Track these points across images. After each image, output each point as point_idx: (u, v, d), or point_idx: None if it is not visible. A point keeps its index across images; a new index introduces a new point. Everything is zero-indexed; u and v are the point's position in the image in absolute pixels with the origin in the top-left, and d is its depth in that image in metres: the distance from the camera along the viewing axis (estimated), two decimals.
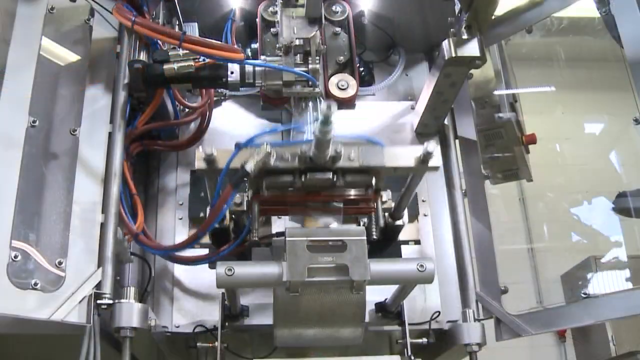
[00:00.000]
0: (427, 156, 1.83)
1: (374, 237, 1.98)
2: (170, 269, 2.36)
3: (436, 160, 1.84)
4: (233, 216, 2.17)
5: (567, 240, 5.73)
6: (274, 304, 1.83)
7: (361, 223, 2.20)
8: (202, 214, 2.38)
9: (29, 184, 1.82)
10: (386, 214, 2.19)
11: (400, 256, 2.42)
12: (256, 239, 1.91)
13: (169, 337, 2.26)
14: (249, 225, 2.06)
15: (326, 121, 1.59)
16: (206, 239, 2.33)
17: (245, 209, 2.15)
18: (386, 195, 2.17)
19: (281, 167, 1.82)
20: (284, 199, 1.93)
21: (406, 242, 2.47)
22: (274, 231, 2.23)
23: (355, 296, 1.78)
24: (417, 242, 2.49)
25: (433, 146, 1.82)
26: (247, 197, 2.17)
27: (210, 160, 1.80)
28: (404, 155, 1.86)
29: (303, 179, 1.82)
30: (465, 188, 2.59)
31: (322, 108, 1.58)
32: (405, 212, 2.26)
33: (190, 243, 2.06)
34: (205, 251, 2.31)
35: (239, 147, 1.82)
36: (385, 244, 2.37)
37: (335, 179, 1.82)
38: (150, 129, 2.35)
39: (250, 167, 1.75)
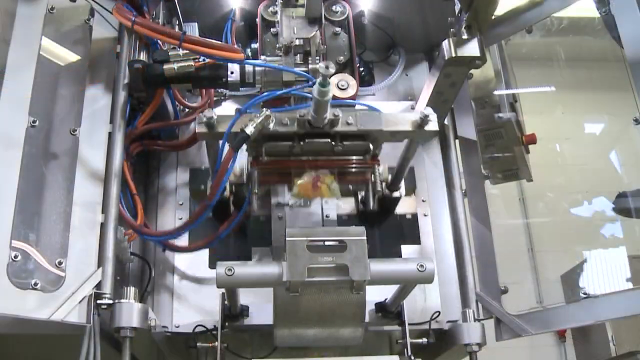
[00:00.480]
0: (424, 120, 1.84)
1: (371, 207, 2.00)
2: (170, 269, 2.36)
3: (433, 124, 1.87)
4: (233, 189, 2.18)
5: (567, 240, 5.73)
6: (274, 304, 1.83)
7: (359, 196, 2.21)
8: (202, 187, 2.37)
9: (29, 184, 1.82)
10: (383, 183, 2.20)
11: (401, 256, 2.42)
12: (255, 211, 1.92)
13: (169, 337, 2.26)
14: (248, 197, 2.07)
15: (324, 81, 1.61)
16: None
17: (245, 180, 2.17)
18: (382, 166, 2.19)
19: (280, 131, 1.84)
20: (282, 166, 1.94)
21: (404, 216, 2.49)
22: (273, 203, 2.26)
23: (355, 296, 1.78)
24: (414, 215, 2.51)
25: (430, 110, 1.85)
26: (247, 168, 2.19)
27: (210, 123, 1.82)
28: (402, 120, 1.89)
29: (302, 144, 1.84)
30: (465, 188, 2.59)
31: (320, 66, 1.60)
32: (402, 185, 2.28)
33: (201, 214, 2.02)
34: (205, 264, 2.33)
35: (239, 112, 1.85)
36: (383, 215, 2.38)
37: (333, 144, 1.84)
38: (150, 129, 2.35)
39: (250, 130, 1.77)
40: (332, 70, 1.62)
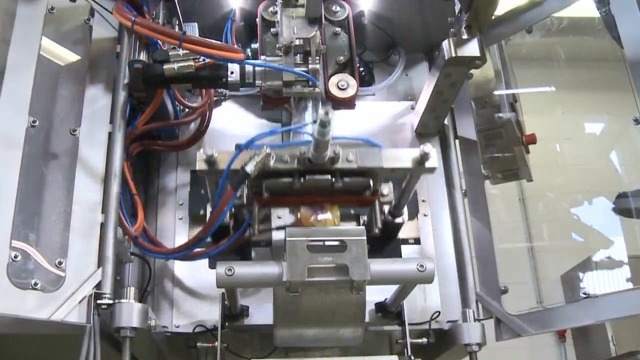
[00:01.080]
0: (424, 157, 1.84)
1: (375, 232, 2.00)
2: (170, 269, 2.36)
3: (433, 161, 1.86)
4: (233, 210, 2.17)
5: (567, 240, 5.73)
6: (274, 304, 1.83)
7: (361, 222, 2.20)
8: (202, 212, 2.38)
9: (29, 184, 1.82)
10: (385, 208, 2.20)
11: (400, 256, 2.42)
12: (256, 236, 1.92)
13: (169, 337, 2.26)
14: (248, 220, 2.07)
15: (324, 125, 1.62)
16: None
17: (245, 202, 2.16)
18: (387, 188, 2.18)
19: (281, 168, 1.84)
20: (283, 201, 1.94)
21: (406, 240, 2.47)
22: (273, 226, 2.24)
23: (355, 296, 1.78)
24: (417, 240, 2.49)
25: (430, 147, 1.84)
26: (247, 190, 2.18)
27: (211, 161, 1.82)
28: (402, 157, 1.88)
29: (302, 181, 1.83)
30: (465, 188, 2.59)
31: (320, 114, 1.61)
32: (405, 210, 2.27)
33: (192, 245, 2.04)
34: (205, 267, 2.32)
35: (239, 148, 1.84)
36: (385, 241, 2.37)
37: (333, 181, 1.84)
38: (150, 129, 2.35)
39: (250, 168, 1.77)
40: (331, 117, 1.62)
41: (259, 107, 2.48)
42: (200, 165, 1.83)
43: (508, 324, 2.24)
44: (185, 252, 2.09)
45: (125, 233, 2.03)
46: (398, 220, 2.26)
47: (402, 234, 2.42)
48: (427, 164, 1.86)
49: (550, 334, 6.09)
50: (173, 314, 2.28)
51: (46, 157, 1.94)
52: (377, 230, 2.02)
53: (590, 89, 5.79)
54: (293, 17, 2.18)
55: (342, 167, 1.84)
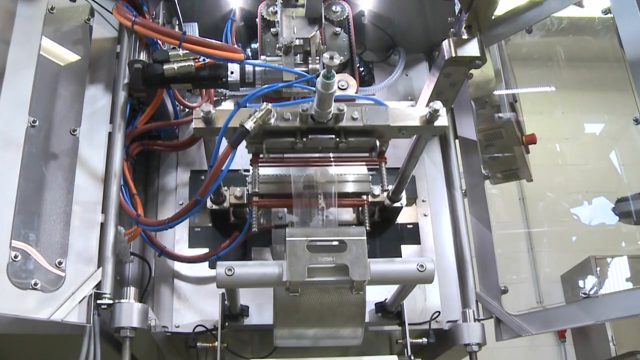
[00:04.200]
0: (433, 115, 1.76)
1: (367, 228, 1.95)
2: (170, 269, 2.36)
3: (443, 119, 1.78)
4: (233, 204, 2.18)
5: (567, 240, 5.73)
6: (274, 304, 1.83)
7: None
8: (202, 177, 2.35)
9: (29, 184, 1.82)
10: (385, 193, 2.20)
11: (400, 256, 2.42)
12: (255, 229, 1.89)
13: (169, 337, 2.26)
14: (249, 219, 2.05)
15: (329, 74, 1.55)
16: (206, 222, 2.34)
17: (245, 201, 2.15)
18: (378, 189, 2.17)
19: (282, 126, 1.76)
20: (282, 204, 1.91)
21: (405, 225, 2.48)
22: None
23: (355, 296, 1.78)
24: (416, 224, 2.50)
25: (439, 105, 1.75)
26: (247, 191, 2.18)
27: (208, 118, 1.74)
28: (410, 115, 1.80)
29: (305, 140, 1.76)
30: (465, 188, 2.59)
31: (325, 57, 1.54)
32: (404, 195, 2.27)
33: (190, 210, 1.96)
34: (205, 250, 2.33)
35: (238, 105, 1.76)
36: (384, 225, 2.36)
37: (338, 140, 1.77)
38: (150, 129, 2.35)
39: (249, 125, 1.69)
40: (337, 61, 1.54)
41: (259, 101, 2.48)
42: (198, 123, 1.75)
43: (508, 324, 2.24)
44: (182, 219, 2.01)
45: (127, 213, 2.03)
46: (397, 204, 2.26)
47: (400, 219, 2.43)
48: (437, 123, 1.77)
49: (550, 334, 6.09)
50: (173, 314, 2.28)
51: (46, 157, 1.94)
52: (368, 227, 1.97)
53: (590, 89, 5.78)
54: (293, 17, 2.18)
55: (347, 126, 1.76)
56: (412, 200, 2.52)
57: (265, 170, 2.01)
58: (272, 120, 1.74)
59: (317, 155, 1.92)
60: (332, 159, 1.93)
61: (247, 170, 2.03)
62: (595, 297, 2.07)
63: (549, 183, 5.51)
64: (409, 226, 2.49)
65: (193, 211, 1.95)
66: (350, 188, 2.00)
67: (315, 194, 1.92)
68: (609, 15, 2.17)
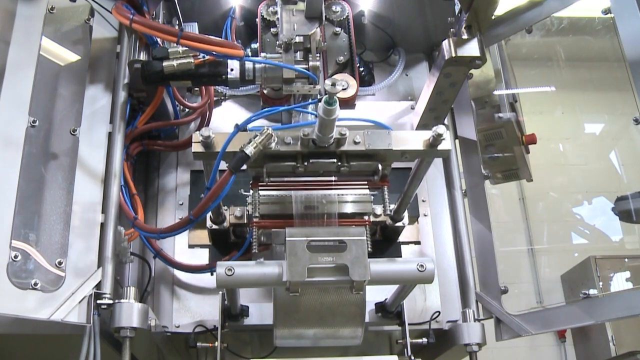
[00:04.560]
0: (436, 139, 1.74)
1: (369, 249, 1.92)
2: (170, 269, 2.35)
3: (446, 143, 1.76)
4: (233, 224, 2.17)
5: (567, 240, 5.73)
6: (274, 304, 1.83)
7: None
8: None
9: (29, 184, 1.82)
10: (386, 212, 2.18)
11: (400, 256, 2.42)
12: (256, 250, 1.86)
13: (169, 337, 2.26)
14: (249, 238, 2.04)
15: (331, 99, 1.54)
16: (206, 240, 2.34)
17: (245, 221, 2.15)
18: (380, 209, 2.16)
19: (283, 151, 1.73)
20: (281, 225, 1.87)
21: (406, 244, 2.47)
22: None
23: (355, 296, 1.78)
24: (417, 243, 2.49)
25: (443, 129, 1.74)
26: (248, 211, 2.16)
27: (208, 143, 1.72)
28: (413, 139, 1.78)
29: (306, 165, 1.74)
30: (465, 188, 2.59)
31: (327, 84, 1.53)
32: (406, 214, 2.27)
33: (182, 227, 1.95)
34: (205, 261, 2.33)
35: (237, 128, 1.74)
36: (385, 245, 2.37)
37: (339, 164, 1.75)
38: (150, 129, 2.35)
39: (250, 150, 1.67)
40: (339, 87, 1.52)
41: (259, 107, 2.48)
42: (197, 148, 1.73)
43: (508, 324, 2.24)
44: (174, 233, 2.01)
45: (125, 214, 2.03)
46: (398, 224, 2.25)
47: (402, 237, 2.42)
48: (440, 147, 1.75)
49: (550, 334, 6.09)
50: (173, 314, 2.28)
51: (46, 157, 1.94)
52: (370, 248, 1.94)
53: (590, 89, 5.78)
54: (293, 14, 2.17)
55: (349, 150, 1.74)
56: (413, 218, 2.50)
57: (265, 191, 1.99)
58: (273, 145, 1.71)
59: (318, 178, 1.90)
60: (333, 183, 1.90)
61: (247, 191, 2.02)
62: (595, 297, 2.07)
63: (549, 183, 5.51)
64: (410, 245, 2.48)
65: (185, 229, 1.97)
66: (351, 209, 1.97)
67: (316, 214, 1.90)
68: (609, 15, 2.17)
